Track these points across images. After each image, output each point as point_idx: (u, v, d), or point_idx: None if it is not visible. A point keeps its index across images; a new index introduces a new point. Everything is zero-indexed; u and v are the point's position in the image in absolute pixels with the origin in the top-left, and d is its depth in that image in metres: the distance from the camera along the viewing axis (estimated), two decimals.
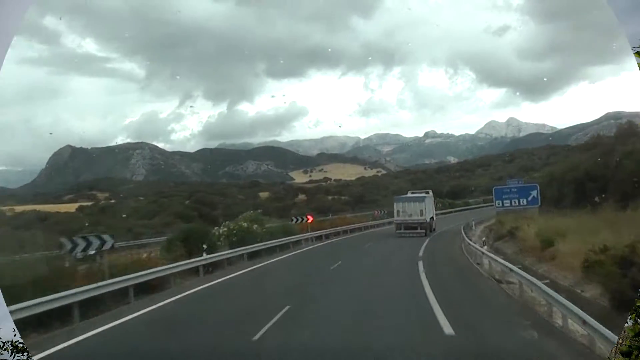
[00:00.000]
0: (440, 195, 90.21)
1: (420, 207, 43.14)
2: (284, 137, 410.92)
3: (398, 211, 43.67)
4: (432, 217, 46.14)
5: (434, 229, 46.25)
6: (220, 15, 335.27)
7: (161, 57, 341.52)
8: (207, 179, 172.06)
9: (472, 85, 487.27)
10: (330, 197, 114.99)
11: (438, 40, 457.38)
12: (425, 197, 45.04)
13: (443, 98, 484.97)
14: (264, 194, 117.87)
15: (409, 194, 47.27)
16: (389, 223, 51.47)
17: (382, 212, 49.90)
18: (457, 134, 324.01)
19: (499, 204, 42.43)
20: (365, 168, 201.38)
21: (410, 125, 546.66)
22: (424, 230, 42.71)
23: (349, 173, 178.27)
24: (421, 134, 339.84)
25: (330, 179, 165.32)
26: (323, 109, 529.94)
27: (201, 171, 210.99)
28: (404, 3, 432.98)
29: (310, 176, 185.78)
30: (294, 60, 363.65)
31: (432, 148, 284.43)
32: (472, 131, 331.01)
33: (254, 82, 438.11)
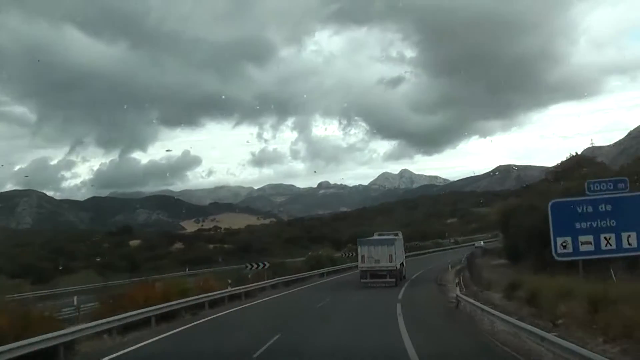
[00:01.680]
0: (342, 243, 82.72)
1: (389, 251, 36.14)
2: (177, 186, 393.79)
3: (363, 256, 36.40)
4: (402, 263, 39.97)
5: (404, 276, 40.18)
6: (113, 59, 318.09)
7: (53, 101, 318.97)
8: (97, 228, 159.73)
9: (366, 137, 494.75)
10: (211, 246, 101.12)
11: (332, 91, 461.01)
12: (394, 239, 38.38)
13: (337, 149, 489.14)
14: (134, 242, 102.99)
15: (376, 236, 40.78)
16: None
17: (256, 266, 34.69)
18: (350, 185, 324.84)
19: None
20: (257, 218, 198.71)
21: (303, 176, 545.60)
22: (393, 279, 35.66)
23: (241, 223, 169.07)
24: (315, 185, 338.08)
25: (221, 228, 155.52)
26: (216, 159, 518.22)
27: (89, 220, 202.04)
28: (297, 53, 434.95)
29: (202, 225, 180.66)
30: (188, 109, 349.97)
31: (325, 199, 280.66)
32: (366, 182, 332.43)
33: (146, 129, 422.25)
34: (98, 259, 52.14)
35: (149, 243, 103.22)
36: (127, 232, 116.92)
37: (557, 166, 62.16)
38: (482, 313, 16.46)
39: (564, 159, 60.07)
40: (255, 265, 34.40)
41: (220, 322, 19.75)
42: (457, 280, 23.57)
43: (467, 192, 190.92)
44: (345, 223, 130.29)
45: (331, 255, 56.03)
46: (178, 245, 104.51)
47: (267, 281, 32.98)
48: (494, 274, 37.74)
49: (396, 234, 41.34)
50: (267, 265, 35.33)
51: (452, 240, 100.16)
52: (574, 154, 59.99)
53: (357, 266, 49.14)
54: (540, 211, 34.00)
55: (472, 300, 18.85)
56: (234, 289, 25.93)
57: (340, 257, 58.70)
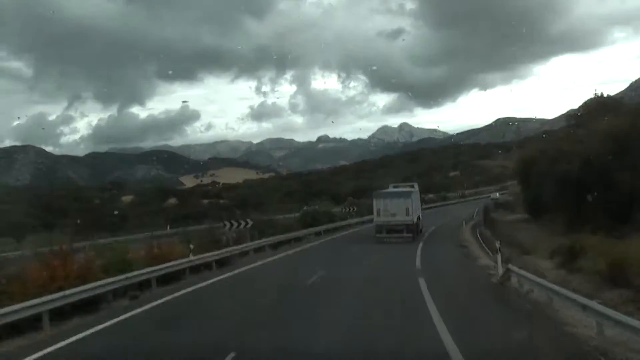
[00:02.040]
0: (341, 197, 76.72)
1: (406, 204, 33.96)
2: (176, 141, 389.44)
3: (378, 210, 34.27)
4: (419, 217, 37.58)
5: (421, 230, 37.80)
6: (110, 14, 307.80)
7: (50, 56, 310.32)
8: (96, 183, 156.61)
9: (365, 90, 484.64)
10: (206, 201, 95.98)
11: (331, 44, 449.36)
12: (411, 192, 36.05)
13: (336, 102, 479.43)
14: (127, 198, 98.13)
15: (391, 189, 38.33)
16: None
17: (237, 224, 28.35)
18: (349, 138, 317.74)
19: None
20: (257, 173, 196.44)
21: (303, 130, 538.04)
22: (410, 234, 33.52)
23: (240, 177, 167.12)
24: (314, 139, 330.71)
25: (219, 183, 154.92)
26: (215, 113, 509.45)
27: (88, 176, 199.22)
28: (296, 5, 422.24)
29: (201, 180, 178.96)
30: (185, 63, 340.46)
31: (324, 153, 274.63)
32: (365, 136, 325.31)
33: (144, 84, 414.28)
34: (78, 221, 46.60)
35: (142, 199, 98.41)
36: (120, 188, 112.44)
37: (578, 110, 55.95)
38: (567, 304, 10.31)
39: (586, 100, 53.81)
40: (235, 224, 28.36)
41: (153, 315, 13.20)
42: (498, 245, 17.47)
43: (469, 145, 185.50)
44: (344, 177, 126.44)
45: (329, 211, 49.84)
46: (172, 200, 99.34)
47: (247, 244, 26.96)
48: (519, 232, 32.75)
49: (412, 186, 39.23)
50: (250, 223, 29.27)
51: (459, 193, 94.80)
52: (600, 94, 53.50)
53: (357, 223, 47.08)
54: (577, 158, 28.71)
55: (541, 281, 12.37)
56: (197, 257, 19.74)
57: (340, 212, 52.80)
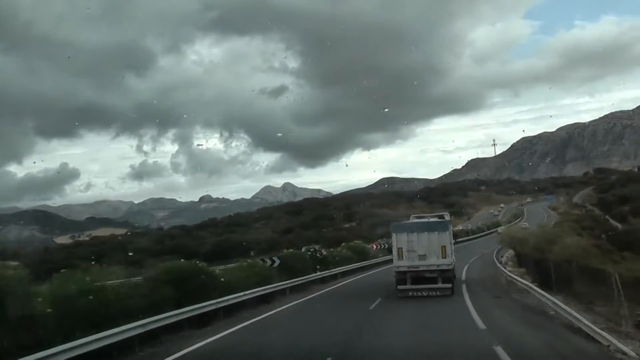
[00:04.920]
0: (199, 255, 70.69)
1: (442, 240, 23.24)
2: (56, 201, 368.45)
3: (400, 250, 23.26)
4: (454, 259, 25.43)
5: (455, 277, 25.88)
6: None
7: None
8: None
9: (248, 149, 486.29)
10: None
11: (212, 102, 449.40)
12: (446, 222, 25.27)
13: (219, 161, 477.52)
14: None
15: (413, 219, 27.30)
16: None
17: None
18: (232, 198, 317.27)
19: None
20: (126, 232, 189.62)
21: (185, 190, 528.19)
22: (448, 285, 22.96)
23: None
24: (196, 199, 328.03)
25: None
26: (96, 172, 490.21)
27: None
28: (177, 62, 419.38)
29: (76, 241, 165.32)
30: (65, 118, 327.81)
31: (207, 213, 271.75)
32: (248, 196, 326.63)
33: (22, 140, 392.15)
34: None
35: None
36: None
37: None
38: None
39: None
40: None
41: None
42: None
43: (362, 195, 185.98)
44: (210, 232, 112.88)
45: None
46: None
47: None
48: None
49: (442, 217, 27.81)
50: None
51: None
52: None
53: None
54: None
55: None
56: None
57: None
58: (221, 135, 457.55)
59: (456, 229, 78.45)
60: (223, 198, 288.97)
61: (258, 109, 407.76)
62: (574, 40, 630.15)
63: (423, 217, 28.54)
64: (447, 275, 22.94)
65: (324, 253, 36.08)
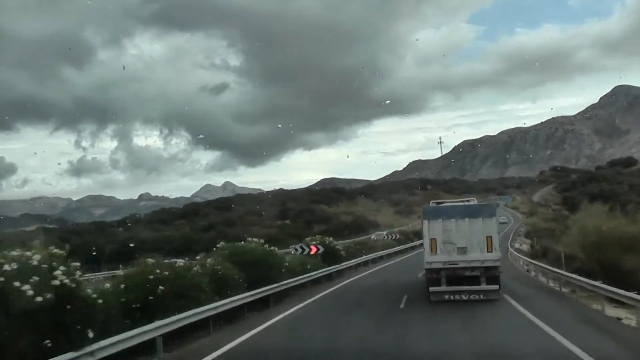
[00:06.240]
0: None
1: (487, 229, 18.18)
2: None
3: (433, 241, 18.44)
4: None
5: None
6: None
7: None
8: None
9: (188, 147, 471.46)
10: None
11: (152, 98, 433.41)
12: (492, 205, 21.71)
13: (158, 159, 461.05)
14: None
15: (448, 202, 21.85)
16: None
17: None
18: (172, 196, 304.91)
19: None
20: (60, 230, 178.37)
21: (124, 187, 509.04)
22: (495, 286, 18.21)
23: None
24: (135, 196, 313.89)
25: None
26: (33, 167, 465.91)
27: None
28: (117, 56, 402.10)
29: None
30: (0, 111, 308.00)
31: (146, 211, 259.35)
32: (188, 194, 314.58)
33: None
34: None
35: None
36: None
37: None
38: None
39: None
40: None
41: None
42: None
43: (300, 191, 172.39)
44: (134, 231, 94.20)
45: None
46: None
47: None
48: None
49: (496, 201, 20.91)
50: None
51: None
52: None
53: None
54: None
55: None
56: None
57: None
58: (161, 132, 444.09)
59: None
60: (162, 196, 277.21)
61: (199, 106, 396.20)
62: (516, 46, 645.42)
63: (463, 201, 22.34)
64: (493, 273, 18.35)
65: None
